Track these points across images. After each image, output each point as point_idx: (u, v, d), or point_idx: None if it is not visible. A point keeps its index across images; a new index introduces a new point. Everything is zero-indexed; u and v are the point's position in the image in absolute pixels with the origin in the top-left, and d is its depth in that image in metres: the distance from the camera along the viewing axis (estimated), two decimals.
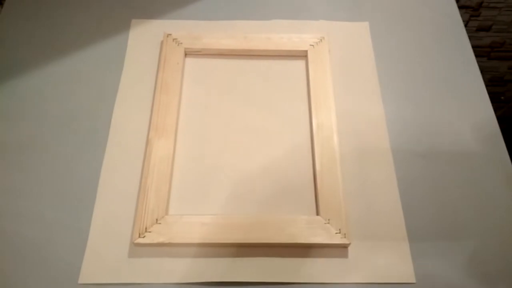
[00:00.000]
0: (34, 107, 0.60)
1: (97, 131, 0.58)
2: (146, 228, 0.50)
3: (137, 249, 0.50)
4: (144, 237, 0.49)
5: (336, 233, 0.50)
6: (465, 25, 0.96)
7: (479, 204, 0.55)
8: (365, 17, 0.71)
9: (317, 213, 0.52)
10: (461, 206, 0.54)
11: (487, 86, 0.66)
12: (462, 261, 0.51)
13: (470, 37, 0.71)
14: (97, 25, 0.68)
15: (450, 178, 0.56)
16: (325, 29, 0.68)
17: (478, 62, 0.68)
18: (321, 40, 0.65)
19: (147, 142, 0.56)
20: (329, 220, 0.51)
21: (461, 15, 0.74)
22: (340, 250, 0.51)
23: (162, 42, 0.65)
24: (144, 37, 0.67)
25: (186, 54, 0.65)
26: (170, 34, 0.65)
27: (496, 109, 0.65)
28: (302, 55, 0.65)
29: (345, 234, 0.50)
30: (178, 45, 0.64)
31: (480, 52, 1.07)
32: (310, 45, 0.65)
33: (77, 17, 0.69)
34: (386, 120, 0.60)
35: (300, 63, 0.65)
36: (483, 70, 0.68)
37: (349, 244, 0.50)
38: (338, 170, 0.54)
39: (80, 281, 0.49)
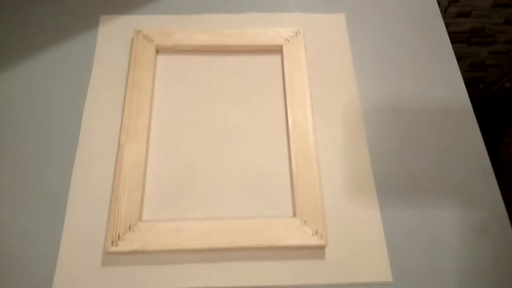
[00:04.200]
0: None
1: (67, 135, 0.56)
2: (119, 236, 0.49)
3: (111, 257, 0.49)
4: (117, 245, 0.48)
5: (313, 234, 0.50)
6: (444, 11, 0.96)
7: (454, 195, 0.55)
8: (341, 7, 0.69)
9: (294, 214, 0.52)
10: (438, 201, 0.54)
11: (467, 71, 0.66)
12: (439, 258, 0.51)
13: (449, 23, 0.70)
14: (65, 22, 0.65)
15: (427, 173, 0.56)
16: (301, 22, 0.67)
17: (457, 48, 0.67)
18: (296, 34, 0.64)
19: (119, 146, 0.55)
20: (305, 221, 0.50)
21: (440, 2, 0.73)
22: (317, 251, 0.50)
23: (132, 39, 0.63)
24: (114, 34, 0.65)
25: (157, 51, 0.63)
26: (141, 31, 0.63)
27: (477, 94, 0.64)
28: (278, 50, 0.63)
29: (321, 235, 0.50)
30: (149, 42, 0.62)
31: (459, 38, 1.06)
32: (285, 39, 0.63)
33: (43, 14, 0.66)
34: (363, 114, 0.59)
35: (276, 58, 0.64)
36: (463, 56, 0.67)
37: (325, 245, 0.50)
38: (315, 170, 0.54)
39: None
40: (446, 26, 0.69)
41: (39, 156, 0.55)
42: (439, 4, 0.71)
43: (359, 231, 0.52)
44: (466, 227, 0.53)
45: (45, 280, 0.48)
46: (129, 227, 0.49)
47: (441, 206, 0.54)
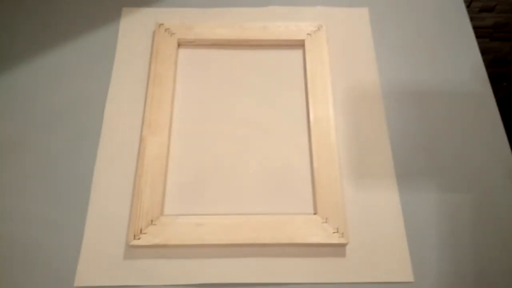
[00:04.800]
0: (22, 103, 0.58)
1: (90, 127, 0.57)
2: (141, 230, 0.49)
3: (133, 250, 0.50)
4: (139, 239, 0.49)
5: (334, 232, 0.50)
6: (468, 6, 0.94)
7: (478, 188, 0.55)
8: (364, 1, 0.68)
9: (315, 212, 0.52)
10: (463, 197, 0.54)
11: (489, 67, 0.64)
12: (460, 257, 0.50)
13: (472, 18, 0.68)
14: (87, 15, 0.66)
15: (452, 169, 0.55)
16: (323, 16, 0.66)
17: (480, 43, 0.66)
18: (318, 28, 0.63)
19: (141, 139, 0.55)
20: (326, 219, 0.50)
21: None
22: (337, 249, 0.50)
23: (154, 33, 0.63)
24: (136, 27, 0.65)
25: (179, 45, 0.63)
26: (162, 24, 0.62)
27: (498, 90, 0.63)
28: (300, 45, 0.63)
29: (342, 233, 0.49)
30: (170, 35, 0.62)
31: (482, 33, 1.04)
32: (308, 34, 0.62)
33: (66, 7, 0.66)
34: (385, 109, 0.59)
35: (298, 53, 0.63)
36: (485, 51, 0.66)
37: (346, 244, 0.49)
38: (336, 167, 0.53)
39: (76, 283, 0.48)
40: (469, 21, 0.67)
41: (62, 148, 0.56)
42: None
43: (380, 229, 0.52)
44: (488, 220, 0.52)
45: (68, 271, 0.49)
46: (151, 221, 0.50)
47: (465, 201, 0.53)
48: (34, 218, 0.51)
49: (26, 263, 0.49)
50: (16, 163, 0.54)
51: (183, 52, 0.63)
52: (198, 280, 0.48)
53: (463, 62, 0.63)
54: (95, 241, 0.50)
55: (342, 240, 0.49)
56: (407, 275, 0.49)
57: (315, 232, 0.50)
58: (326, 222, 0.50)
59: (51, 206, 0.52)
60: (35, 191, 0.53)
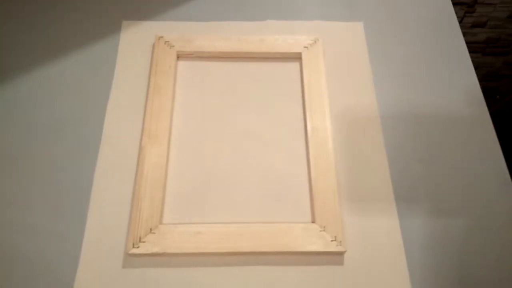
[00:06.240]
0: (23, 114, 0.59)
1: (89, 138, 0.57)
2: (140, 238, 0.49)
3: (132, 259, 0.50)
4: (138, 247, 0.49)
5: (332, 240, 0.50)
6: (460, 22, 0.96)
7: (472, 203, 0.55)
8: (359, 16, 0.70)
9: (313, 220, 0.52)
10: (457, 210, 0.54)
11: (481, 81, 0.66)
12: (458, 268, 0.51)
13: (465, 34, 0.70)
14: (87, 28, 0.67)
15: (446, 180, 0.56)
16: (319, 30, 0.68)
17: (473, 58, 0.67)
18: (315, 41, 0.64)
19: (140, 149, 0.55)
20: (324, 227, 0.51)
21: (456, 12, 0.73)
22: (335, 257, 0.50)
23: (154, 45, 0.64)
24: (135, 40, 0.66)
25: (178, 57, 0.64)
26: (162, 37, 0.64)
27: (492, 104, 0.64)
28: (297, 57, 0.64)
29: (340, 241, 0.50)
30: (170, 48, 0.63)
31: (475, 48, 1.06)
32: (304, 47, 0.64)
33: (66, 19, 0.67)
34: (381, 121, 0.60)
35: (295, 65, 0.64)
36: (478, 66, 0.67)
37: (344, 252, 0.50)
38: (333, 176, 0.54)
39: None
40: (463, 36, 0.69)
41: (62, 158, 0.56)
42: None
43: (378, 238, 0.52)
44: (485, 235, 0.53)
45: (67, 280, 0.49)
46: (150, 230, 0.50)
47: (460, 214, 0.54)
48: (34, 227, 0.51)
49: (25, 272, 0.49)
50: (16, 173, 0.55)
51: (182, 64, 0.64)
52: None
53: (457, 78, 0.65)
54: (94, 250, 0.50)
55: (340, 248, 0.50)
56: (404, 284, 0.49)
57: (313, 240, 0.50)
58: (324, 230, 0.51)
59: (51, 215, 0.52)
60: (34, 201, 0.53)
